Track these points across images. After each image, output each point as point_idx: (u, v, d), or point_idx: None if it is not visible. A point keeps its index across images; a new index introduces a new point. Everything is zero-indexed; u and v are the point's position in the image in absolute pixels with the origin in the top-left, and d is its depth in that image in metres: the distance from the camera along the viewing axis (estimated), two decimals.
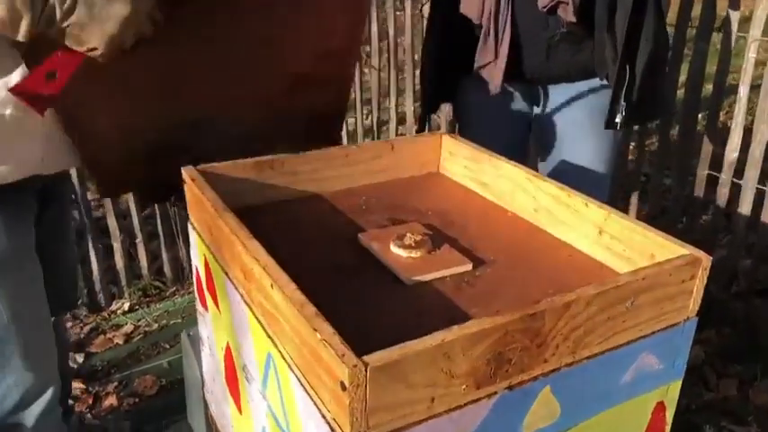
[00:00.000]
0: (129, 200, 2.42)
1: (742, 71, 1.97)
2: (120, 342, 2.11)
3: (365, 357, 0.63)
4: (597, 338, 0.79)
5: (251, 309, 0.87)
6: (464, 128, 1.66)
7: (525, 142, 1.66)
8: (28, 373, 1.15)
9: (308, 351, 0.70)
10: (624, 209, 2.47)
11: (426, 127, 1.67)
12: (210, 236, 1.00)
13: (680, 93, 2.29)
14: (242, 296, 0.90)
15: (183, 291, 2.36)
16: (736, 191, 2.09)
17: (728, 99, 2.96)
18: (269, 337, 0.81)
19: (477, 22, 1.44)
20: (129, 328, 2.17)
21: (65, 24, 0.83)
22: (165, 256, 2.38)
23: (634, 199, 2.49)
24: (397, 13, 3.02)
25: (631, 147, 2.54)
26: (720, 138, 2.16)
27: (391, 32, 2.89)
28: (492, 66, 1.44)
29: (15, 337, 1.12)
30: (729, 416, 1.78)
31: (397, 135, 3.07)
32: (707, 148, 2.15)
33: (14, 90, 0.90)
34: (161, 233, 2.38)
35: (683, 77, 2.23)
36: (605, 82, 1.46)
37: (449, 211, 1.14)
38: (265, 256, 0.81)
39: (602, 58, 1.43)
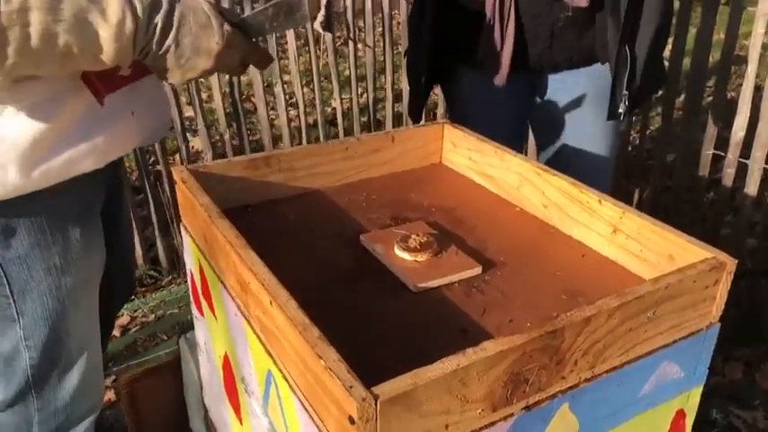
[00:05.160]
0: None
1: (750, 46, 1.90)
2: (117, 334, 2.07)
3: (375, 389, 0.58)
4: (617, 351, 0.74)
5: (249, 322, 0.82)
6: (460, 120, 1.59)
7: (524, 131, 1.61)
8: (81, 390, 1.12)
9: (313, 377, 0.65)
10: (627, 189, 2.43)
11: (420, 119, 1.61)
12: (205, 242, 0.94)
13: (686, 62, 2.21)
14: (239, 307, 0.85)
15: (179, 279, 2.31)
16: (741, 169, 2.04)
17: (736, 75, 2.89)
18: (269, 354, 0.77)
19: (478, 10, 1.37)
20: (125, 319, 2.13)
21: (152, 64, 0.90)
22: (159, 243, 2.33)
23: (636, 179, 2.44)
24: None
25: (633, 121, 2.49)
26: (726, 116, 2.10)
27: (386, 6, 2.80)
28: (497, 57, 1.38)
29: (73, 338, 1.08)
30: (736, 400, 1.76)
31: (393, 113, 3.00)
32: (712, 126, 2.10)
33: (89, 80, 0.92)
34: (155, 220, 2.32)
35: (689, 46, 2.16)
36: (608, 66, 1.40)
37: (454, 207, 1.09)
38: (263, 270, 0.76)
39: (605, 41, 1.37)
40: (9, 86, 0.85)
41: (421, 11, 1.51)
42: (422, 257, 0.91)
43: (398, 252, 0.92)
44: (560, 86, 1.47)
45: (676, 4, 2.06)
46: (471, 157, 1.18)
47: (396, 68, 2.99)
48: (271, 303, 0.72)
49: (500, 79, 1.42)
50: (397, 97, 3.05)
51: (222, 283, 0.90)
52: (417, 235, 0.94)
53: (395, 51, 2.99)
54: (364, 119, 3.02)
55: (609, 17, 1.34)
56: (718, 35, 2.06)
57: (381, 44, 2.90)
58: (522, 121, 1.59)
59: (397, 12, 3.15)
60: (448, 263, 0.91)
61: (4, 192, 0.91)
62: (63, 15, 0.78)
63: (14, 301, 1.01)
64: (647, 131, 2.53)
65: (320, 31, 2.24)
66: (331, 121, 3.17)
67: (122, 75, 0.93)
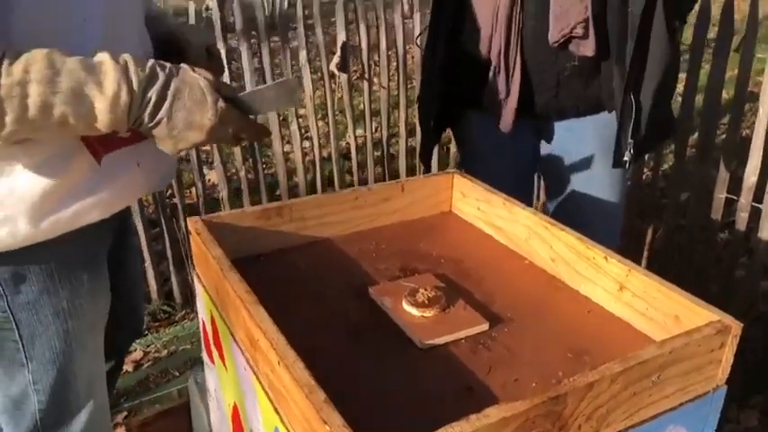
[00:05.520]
0: (137, 220, 2.40)
1: (761, 91, 1.91)
2: (129, 369, 2.09)
3: None
4: (621, 415, 0.75)
5: (258, 377, 0.83)
6: (469, 162, 1.62)
7: (532, 177, 1.63)
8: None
9: None
10: (640, 228, 2.42)
11: (431, 162, 1.64)
12: (216, 294, 0.96)
13: (699, 99, 2.20)
14: (248, 361, 0.86)
15: (192, 315, 2.33)
16: (755, 212, 2.04)
17: (750, 112, 2.89)
18: (276, 411, 0.78)
19: (485, 58, 1.39)
20: (138, 354, 2.15)
21: (146, 133, 0.92)
22: (174, 278, 2.36)
23: (650, 218, 2.44)
24: (405, 20, 2.98)
25: (646, 159, 2.49)
26: (741, 154, 2.10)
27: (400, 43, 2.84)
28: (503, 104, 1.40)
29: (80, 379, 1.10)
30: None
31: (407, 147, 3.03)
32: (725, 168, 2.10)
33: (89, 141, 0.95)
34: (170, 255, 2.35)
35: (702, 82, 2.17)
36: (615, 114, 1.41)
37: (462, 259, 1.11)
38: (272, 328, 0.77)
39: (611, 90, 1.39)
40: (9, 146, 0.88)
41: (432, 57, 1.54)
42: (429, 313, 0.92)
43: (406, 307, 0.94)
44: (567, 134, 1.49)
45: (686, 44, 2.08)
46: (480, 208, 1.19)
47: (409, 103, 3.02)
48: (278, 363, 0.73)
49: (506, 125, 1.44)
50: (411, 132, 3.08)
51: (232, 335, 0.92)
52: (425, 289, 0.96)
53: (408, 86, 3.02)
54: (378, 153, 3.05)
55: (614, 66, 1.36)
56: (732, 72, 2.07)
57: (396, 79, 2.94)
58: (529, 166, 1.61)
59: (410, 46, 3.19)
60: (455, 318, 0.92)
61: (14, 242, 0.95)
62: (61, 87, 0.82)
63: (23, 345, 1.03)
64: (660, 170, 2.53)
65: (336, 72, 2.29)
66: (345, 155, 3.21)
67: (122, 137, 0.96)
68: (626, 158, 1.39)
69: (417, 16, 2.71)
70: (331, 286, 1.03)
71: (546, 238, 1.05)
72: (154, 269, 2.37)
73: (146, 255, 2.34)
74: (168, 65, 0.91)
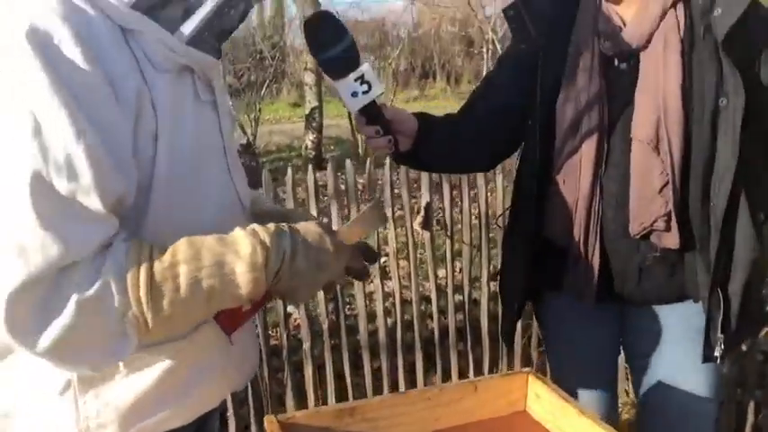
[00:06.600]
0: None
1: None
2: None
3: None
4: None
5: None
6: (551, 343, 1.60)
7: (616, 358, 1.58)
8: None
9: None
10: (741, 399, 2.25)
11: (513, 339, 1.63)
12: None
13: None
14: None
15: None
16: None
17: None
18: None
19: (565, 244, 1.41)
20: None
21: (283, 287, 0.98)
22: (253, 426, 2.39)
23: (752, 387, 2.27)
24: (490, 185, 3.03)
25: None
26: None
27: (481, 185, 2.90)
28: (581, 290, 1.40)
29: None
30: None
31: (489, 293, 3.01)
32: None
33: (219, 319, 1.01)
34: (251, 401, 2.40)
35: None
36: (701, 304, 1.37)
37: None
38: None
39: (696, 280, 1.35)
40: (155, 337, 0.93)
41: (512, 237, 1.58)
42: None
43: None
44: (651, 321, 1.45)
45: None
46: (554, 413, 1.17)
47: (493, 243, 3.03)
48: None
49: (586, 309, 1.43)
50: (494, 276, 3.07)
51: None
52: None
53: (491, 227, 3.04)
54: (459, 297, 3.05)
55: (699, 258, 1.33)
56: None
57: (478, 222, 2.97)
58: (612, 350, 1.57)
59: (493, 184, 3.24)
60: None
61: None
62: (204, 263, 0.90)
63: None
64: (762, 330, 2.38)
65: (419, 230, 2.36)
66: (426, 298, 3.22)
67: (245, 311, 1.01)
68: (716, 354, 1.33)
69: (500, 178, 2.78)
70: None
71: None
72: (235, 414, 2.42)
73: (228, 400, 2.41)
74: (284, 223, 0.99)
